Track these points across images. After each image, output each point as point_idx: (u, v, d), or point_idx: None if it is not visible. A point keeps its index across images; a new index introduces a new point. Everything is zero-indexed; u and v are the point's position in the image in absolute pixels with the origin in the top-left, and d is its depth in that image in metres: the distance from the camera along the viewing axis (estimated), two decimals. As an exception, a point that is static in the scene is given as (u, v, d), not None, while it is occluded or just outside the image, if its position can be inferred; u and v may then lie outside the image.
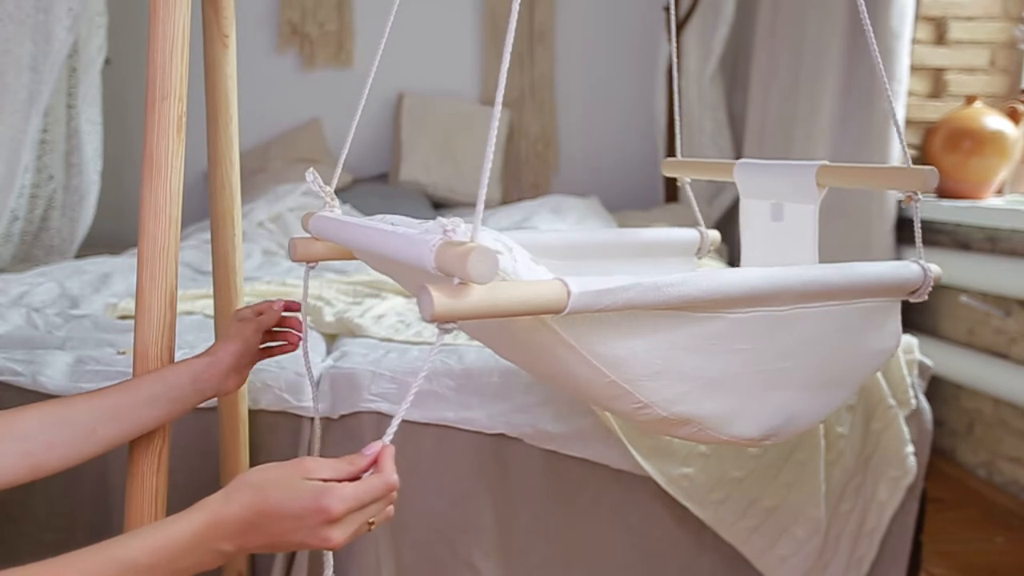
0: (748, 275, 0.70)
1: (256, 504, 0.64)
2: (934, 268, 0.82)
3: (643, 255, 1.03)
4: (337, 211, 0.89)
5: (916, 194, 0.85)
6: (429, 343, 1.30)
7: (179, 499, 1.02)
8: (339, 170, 0.93)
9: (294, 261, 0.90)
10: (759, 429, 0.77)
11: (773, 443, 0.81)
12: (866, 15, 0.87)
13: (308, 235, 0.90)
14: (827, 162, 0.92)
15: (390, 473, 0.67)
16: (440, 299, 0.56)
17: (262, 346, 0.91)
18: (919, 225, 0.87)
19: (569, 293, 0.60)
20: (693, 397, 0.71)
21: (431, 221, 0.66)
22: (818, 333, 0.77)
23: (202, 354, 0.86)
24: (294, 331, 0.94)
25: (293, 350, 0.94)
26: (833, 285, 0.74)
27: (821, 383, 0.80)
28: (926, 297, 0.84)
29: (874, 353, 0.83)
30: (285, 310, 0.93)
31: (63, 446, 0.75)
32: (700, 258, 1.07)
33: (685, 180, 1.12)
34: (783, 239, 0.96)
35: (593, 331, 0.65)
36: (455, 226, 0.59)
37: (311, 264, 0.91)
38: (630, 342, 0.66)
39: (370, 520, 0.67)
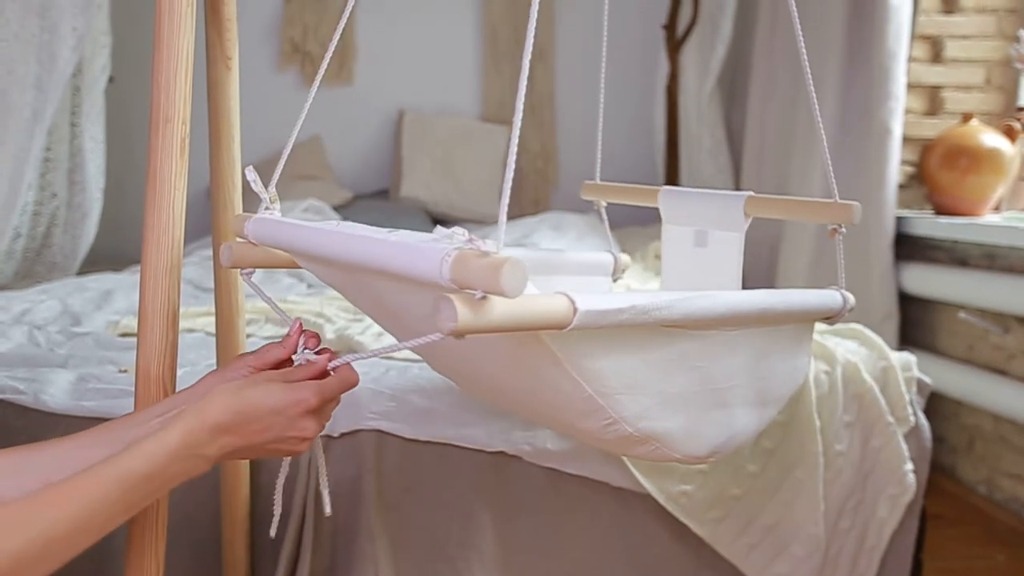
0: (727, 298, 0.75)
1: (233, 405, 0.68)
2: (851, 298, 0.90)
3: (566, 274, 1.09)
4: (277, 214, 0.86)
5: (840, 227, 0.92)
6: (429, 361, 1.31)
7: (178, 516, 1.03)
8: (280, 168, 0.90)
9: (228, 267, 0.85)
10: (706, 447, 0.82)
11: (715, 460, 0.86)
12: (808, 71, 0.90)
13: (242, 240, 0.85)
14: (752, 193, 0.98)
15: (348, 371, 0.75)
16: (464, 312, 0.54)
17: None
18: (842, 258, 0.94)
19: (575, 310, 0.61)
20: (655, 412, 0.74)
21: (419, 232, 0.65)
22: (757, 353, 0.83)
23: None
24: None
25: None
26: (777, 309, 0.81)
27: (758, 400, 0.85)
28: (839, 323, 0.92)
29: (797, 370, 0.90)
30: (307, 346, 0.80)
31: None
32: (615, 280, 1.13)
33: (602, 204, 1.15)
34: (705, 265, 1.02)
35: (580, 346, 0.67)
36: (469, 236, 0.58)
37: (248, 271, 0.86)
38: (609, 357, 0.69)
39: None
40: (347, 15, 0.87)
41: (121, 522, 0.66)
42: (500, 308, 0.55)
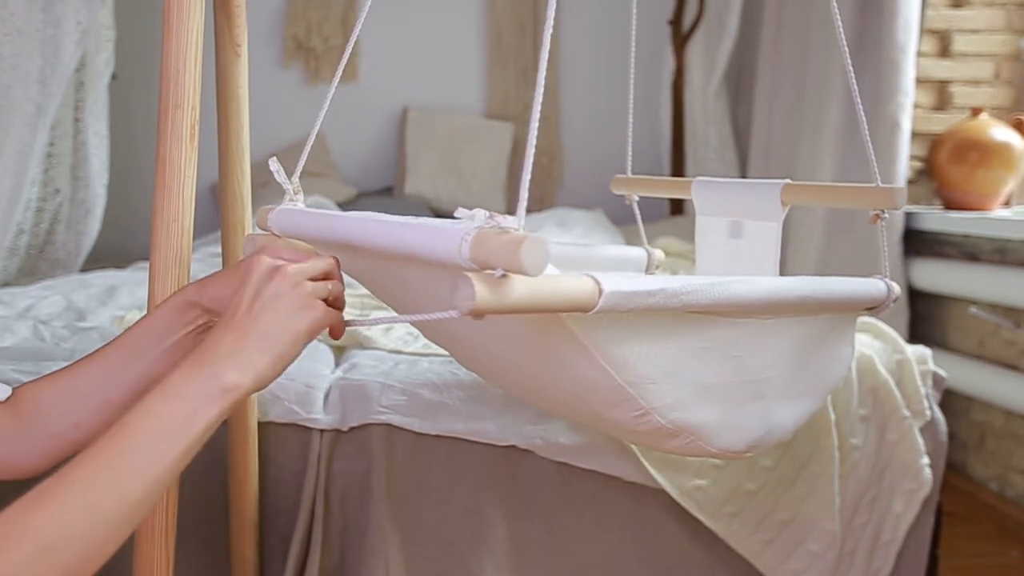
0: (764, 284, 0.72)
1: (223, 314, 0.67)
2: (896, 288, 0.86)
3: (597, 269, 1.06)
4: (300, 205, 0.85)
5: (884, 212, 0.87)
6: (440, 355, 1.29)
7: (188, 511, 1.01)
8: (303, 159, 0.90)
9: None
10: (744, 441, 0.79)
11: (754, 455, 0.83)
12: (849, 65, 0.89)
13: (264, 232, 0.85)
14: (790, 180, 0.94)
15: (323, 257, 0.72)
16: (482, 290, 0.52)
17: None
18: (885, 245, 0.89)
19: (601, 291, 0.58)
20: (688, 403, 0.71)
21: (438, 219, 0.63)
22: (795, 343, 0.80)
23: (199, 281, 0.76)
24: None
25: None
26: (817, 297, 0.77)
27: (796, 393, 0.83)
28: (880, 314, 0.87)
29: (837, 362, 0.87)
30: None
31: (87, 424, 0.73)
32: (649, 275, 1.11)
33: (634, 198, 1.13)
34: (741, 256, 0.98)
35: (607, 332, 0.64)
36: (490, 214, 0.56)
37: None
38: (639, 344, 0.66)
39: (323, 298, 0.68)
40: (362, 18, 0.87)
41: (180, 465, 0.61)
42: (521, 287, 0.53)
